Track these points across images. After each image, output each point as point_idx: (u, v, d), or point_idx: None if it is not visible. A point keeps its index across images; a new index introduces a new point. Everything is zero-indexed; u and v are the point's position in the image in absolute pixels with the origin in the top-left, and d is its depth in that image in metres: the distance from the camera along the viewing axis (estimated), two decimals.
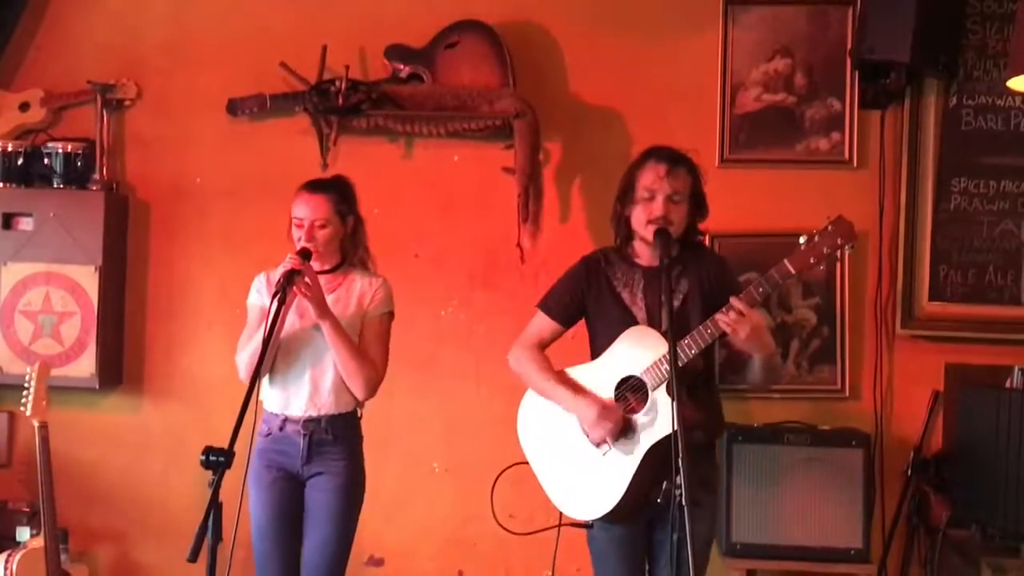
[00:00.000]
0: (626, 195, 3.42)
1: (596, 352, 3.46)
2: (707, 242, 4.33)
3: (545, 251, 4.46)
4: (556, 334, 3.54)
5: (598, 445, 3.36)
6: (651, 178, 3.35)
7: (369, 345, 3.60)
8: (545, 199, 4.47)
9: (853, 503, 4.03)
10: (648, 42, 4.47)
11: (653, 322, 3.36)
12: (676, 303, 3.34)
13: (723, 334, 3.23)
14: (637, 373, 3.31)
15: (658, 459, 3.24)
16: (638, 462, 3.28)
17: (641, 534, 3.42)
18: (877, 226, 4.39)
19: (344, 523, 3.59)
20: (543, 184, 4.46)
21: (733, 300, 3.19)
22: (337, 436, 3.57)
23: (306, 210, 3.56)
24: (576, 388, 3.40)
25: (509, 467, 3.61)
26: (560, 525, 3.50)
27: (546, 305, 3.55)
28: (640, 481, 3.29)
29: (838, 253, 3.20)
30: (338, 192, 3.63)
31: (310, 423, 3.54)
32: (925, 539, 4.21)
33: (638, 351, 3.31)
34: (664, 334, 3.24)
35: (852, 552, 4.00)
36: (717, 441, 3.57)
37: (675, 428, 2.92)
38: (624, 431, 3.31)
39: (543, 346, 3.54)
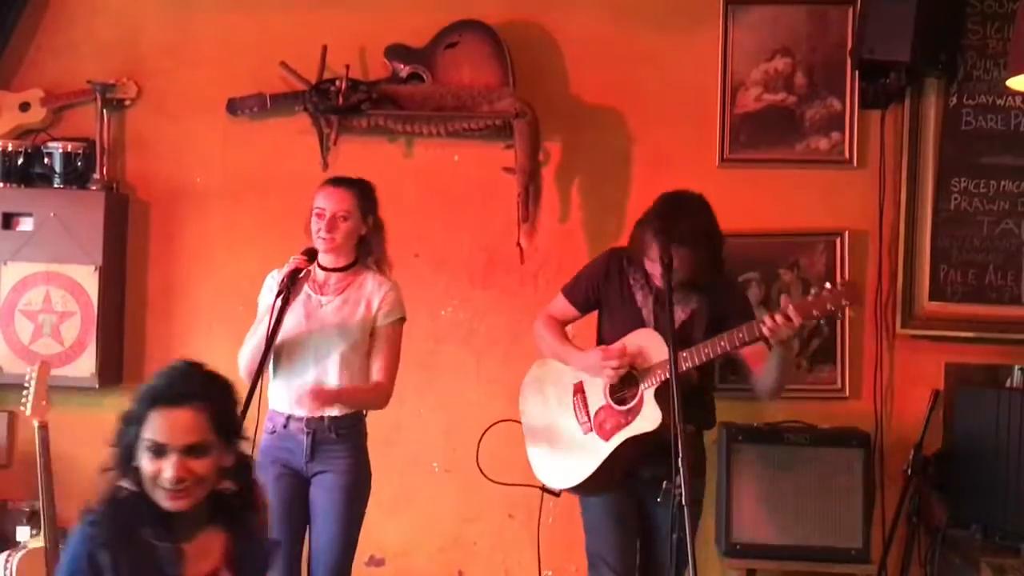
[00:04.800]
0: (639, 252, 3.53)
1: (601, 340, 3.66)
2: None
3: (545, 251, 4.47)
4: (573, 317, 3.77)
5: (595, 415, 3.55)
6: (651, 264, 3.46)
7: (379, 352, 3.60)
8: (545, 199, 4.47)
9: (853, 503, 4.03)
10: (648, 42, 4.47)
11: (658, 327, 3.53)
12: (683, 317, 3.53)
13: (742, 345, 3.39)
14: (636, 370, 3.50)
15: (634, 448, 3.48)
16: (612, 449, 3.49)
17: (631, 506, 3.60)
18: (877, 226, 4.39)
19: (350, 522, 3.59)
20: (542, 184, 4.46)
21: (786, 303, 3.29)
22: (341, 435, 3.57)
23: (329, 201, 3.57)
24: (582, 349, 3.63)
25: (497, 422, 3.81)
26: (544, 489, 3.69)
27: (568, 290, 3.75)
28: (611, 465, 3.51)
29: (839, 313, 3.38)
30: (361, 189, 3.65)
31: (313, 421, 3.54)
32: (925, 539, 4.20)
33: (643, 351, 3.49)
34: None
35: (852, 552, 4.00)
36: (705, 432, 3.74)
37: (675, 429, 3.00)
38: (626, 381, 3.50)
39: (562, 324, 3.77)
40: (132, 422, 2.33)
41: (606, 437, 3.51)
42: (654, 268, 3.47)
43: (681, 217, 3.43)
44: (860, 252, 4.40)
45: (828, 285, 3.30)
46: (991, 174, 4.35)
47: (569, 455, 3.58)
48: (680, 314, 3.50)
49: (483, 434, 3.81)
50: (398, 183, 4.53)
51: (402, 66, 4.45)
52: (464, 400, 4.50)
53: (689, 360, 3.39)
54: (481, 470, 3.82)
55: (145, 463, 2.29)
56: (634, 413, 3.47)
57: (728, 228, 4.34)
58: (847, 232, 4.38)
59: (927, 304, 4.37)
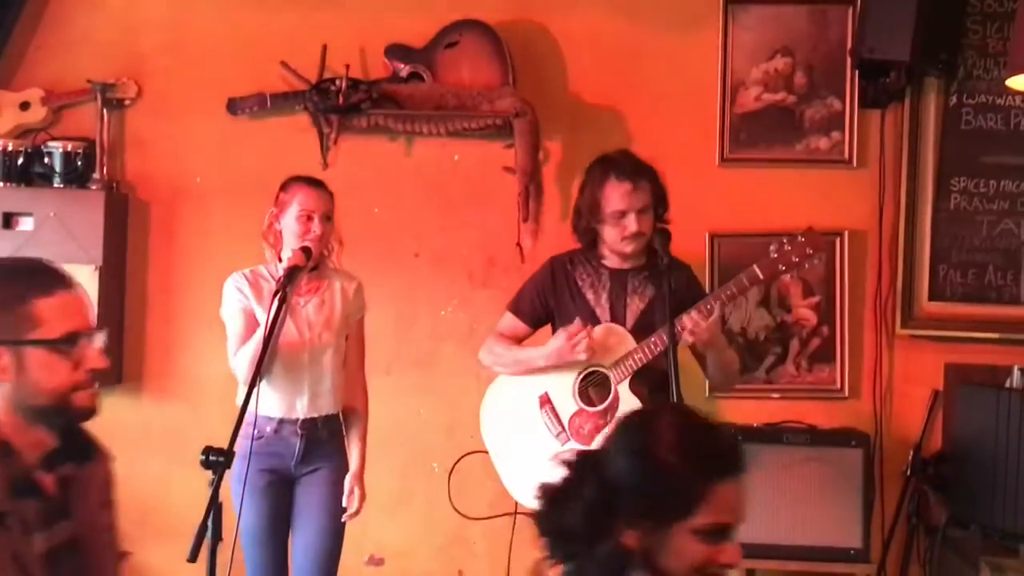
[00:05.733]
0: (592, 213, 3.46)
1: None
2: (706, 241, 4.36)
3: (545, 250, 4.44)
4: (524, 335, 3.64)
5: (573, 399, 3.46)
6: (617, 198, 3.40)
7: (352, 350, 3.70)
8: (545, 198, 4.46)
9: (852, 503, 4.02)
10: (648, 41, 4.47)
11: (615, 318, 3.47)
12: (642, 306, 3.48)
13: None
14: (603, 367, 3.41)
15: None
16: None
17: None
18: (877, 225, 4.38)
19: (339, 515, 3.62)
20: (543, 183, 4.46)
21: (684, 316, 3.28)
22: (331, 434, 3.62)
23: (318, 202, 3.57)
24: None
25: (465, 455, 3.86)
26: (515, 513, 3.65)
27: (515, 307, 3.65)
28: None
29: (807, 263, 3.33)
30: (329, 190, 3.65)
31: (307, 423, 3.55)
32: (924, 539, 4.20)
33: (605, 346, 3.42)
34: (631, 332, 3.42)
35: (851, 552, 3.99)
36: None
37: None
38: (595, 381, 3.43)
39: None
40: (670, 509, 1.83)
41: (587, 441, 3.42)
42: (613, 230, 3.40)
43: (616, 156, 3.45)
44: (860, 252, 4.40)
45: (786, 239, 3.28)
46: (991, 173, 4.35)
47: (550, 471, 3.50)
48: (638, 303, 3.48)
49: (452, 469, 3.93)
50: (398, 182, 4.54)
51: (402, 66, 4.45)
52: (464, 400, 4.48)
53: (646, 350, 3.35)
54: (455, 507, 3.91)
55: (689, 549, 1.83)
56: (612, 410, 3.40)
57: (728, 228, 4.38)
58: (847, 232, 4.38)
59: (927, 304, 4.36)
